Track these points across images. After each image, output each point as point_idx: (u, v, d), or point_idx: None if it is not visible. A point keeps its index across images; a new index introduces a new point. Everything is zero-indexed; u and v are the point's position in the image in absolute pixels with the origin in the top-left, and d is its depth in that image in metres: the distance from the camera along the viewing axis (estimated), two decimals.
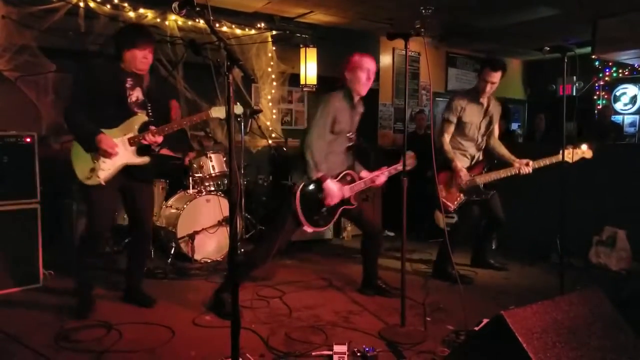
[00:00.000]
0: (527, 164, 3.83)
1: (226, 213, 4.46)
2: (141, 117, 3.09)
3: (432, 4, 5.68)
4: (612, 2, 5.68)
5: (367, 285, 3.67)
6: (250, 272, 3.29)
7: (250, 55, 5.81)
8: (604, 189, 4.40)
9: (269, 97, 6.07)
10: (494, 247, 5.10)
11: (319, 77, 6.00)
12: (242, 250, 4.76)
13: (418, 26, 5.86)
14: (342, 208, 3.30)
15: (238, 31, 5.80)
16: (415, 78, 7.79)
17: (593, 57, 6.91)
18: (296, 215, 3.13)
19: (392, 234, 5.57)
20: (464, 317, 2.88)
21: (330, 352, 2.56)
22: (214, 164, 4.70)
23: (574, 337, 1.91)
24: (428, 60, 2.85)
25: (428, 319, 3.03)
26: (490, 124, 4.03)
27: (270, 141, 5.68)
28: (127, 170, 3.08)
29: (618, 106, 8.50)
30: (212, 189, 4.74)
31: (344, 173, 3.32)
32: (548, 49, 3.32)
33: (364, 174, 3.43)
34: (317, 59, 5.97)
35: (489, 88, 3.86)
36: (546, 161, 3.77)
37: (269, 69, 6.00)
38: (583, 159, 3.75)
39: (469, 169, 3.94)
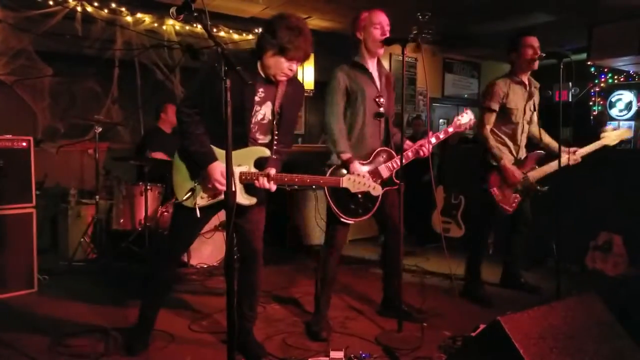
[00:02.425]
0: (574, 152, 3.41)
1: (222, 218, 4.44)
2: (262, 151, 2.42)
3: (429, 10, 5.71)
4: (607, 9, 5.73)
5: (387, 305, 3.24)
6: (325, 281, 2.98)
7: None
8: (600, 194, 4.41)
9: None
10: (490, 253, 5.05)
11: (317, 82, 6.02)
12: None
13: (415, 32, 5.91)
14: (384, 190, 2.82)
15: (235, 36, 5.82)
16: (412, 84, 7.82)
17: (589, 63, 6.95)
18: (330, 206, 2.80)
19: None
20: (460, 323, 2.87)
21: (327, 358, 2.54)
22: None
23: (571, 343, 1.91)
24: (425, 66, 2.86)
25: (425, 324, 3.03)
26: (533, 107, 3.58)
27: None
28: None
29: (614, 112, 8.55)
30: None
31: (377, 151, 2.93)
32: (544, 55, 3.33)
33: (408, 144, 2.96)
34: (314, 64, 5.99)
35: (532, 52, 3.37)
36: (592, 147, 3.44)
37: None
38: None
39: (518, 164, 3.50)
